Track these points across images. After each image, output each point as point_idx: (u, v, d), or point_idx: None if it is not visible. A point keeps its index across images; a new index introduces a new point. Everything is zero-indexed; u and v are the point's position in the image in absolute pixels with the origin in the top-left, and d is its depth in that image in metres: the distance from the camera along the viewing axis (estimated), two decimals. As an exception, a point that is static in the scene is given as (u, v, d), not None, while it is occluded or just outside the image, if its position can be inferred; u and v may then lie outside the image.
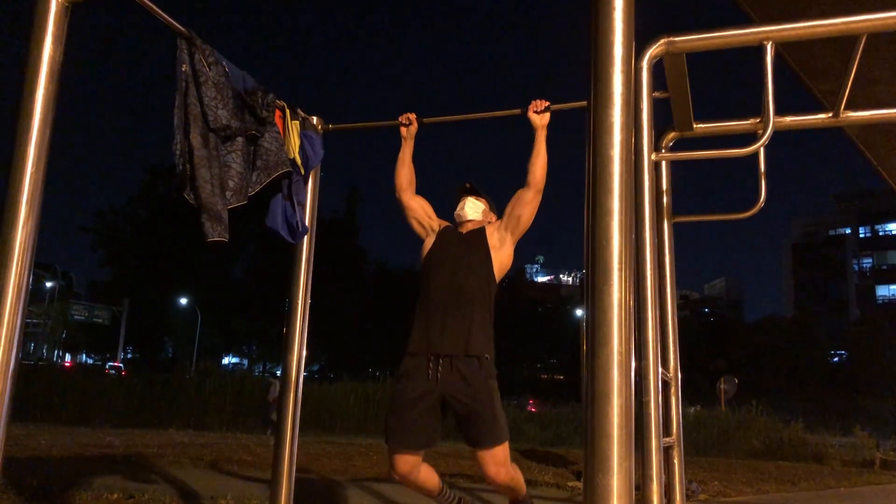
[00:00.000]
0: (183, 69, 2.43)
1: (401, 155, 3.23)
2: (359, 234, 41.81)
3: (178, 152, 2.41)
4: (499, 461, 2.79)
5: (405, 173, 3.19)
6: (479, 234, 3.05)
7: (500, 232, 3.05)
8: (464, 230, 3.08)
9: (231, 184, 2.56)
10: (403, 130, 3.24)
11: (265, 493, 3.60)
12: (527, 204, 3.02)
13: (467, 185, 3.15)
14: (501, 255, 3.02)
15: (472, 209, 3.11)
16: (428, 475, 2.92)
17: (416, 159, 3.27)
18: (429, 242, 3.11)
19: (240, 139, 2.63)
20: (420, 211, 3.16)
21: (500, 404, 2.83)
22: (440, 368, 2.80)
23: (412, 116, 3.25)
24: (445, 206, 3.19)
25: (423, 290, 2.99)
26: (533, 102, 3.07)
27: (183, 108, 2.42)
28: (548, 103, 3.05)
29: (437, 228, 3.13)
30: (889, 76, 2.74)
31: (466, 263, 2.96)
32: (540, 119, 3.05)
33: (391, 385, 3.03)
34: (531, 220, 3.07)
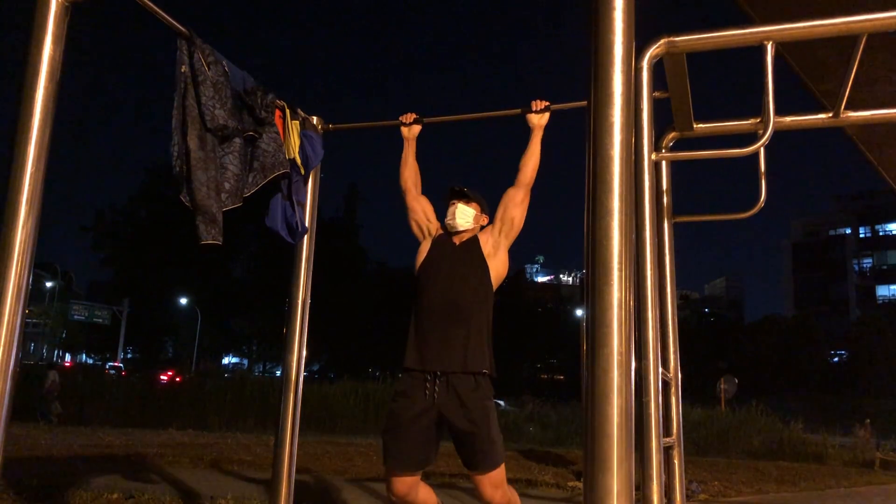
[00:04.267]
0: (182, 70, 2.43)
1: (403, 156, 3.21)
2: (359, 234, 41.84)
3: (175, 153, 2.40)
4: (495, 483, 2.75)
5: (409, 174, 3.15)
6: (473, 243, 2.96)
7: (494, 238, 2.97)
8: (457, 240, 2.99)
9: (227, 185, 2.55)
10: (405, 131, 3.23)
11: (265, 493, 3.60)
12: (518, 205, 2.96)
13: (455, 188, 3.02)
14: (497, 263, 2.94)
15: (463, 217, 2.98)
16: (427, 496, 2.87)
17: (418, 159, 3.26)
18: (423, 250, 3.03)
19: (237, 140, 2.62)
20: (420, 213, 3.10)
21: (496, 426, 2.77)
22: (437, 388, 2.73)
23: (413, 117, 3.24)
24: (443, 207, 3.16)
25: (417, 304, 2.91)
26: (532, 103, 3.07)
27: (181, 109, 2.41)
28: (547, 103, 3.05)
29: (433, 234, 3.05)
30: (889, 76, 2.74)
31: (461, 276, 2.88)
32: (538, 119, 3.04)
33: (389, 402, 2.99)
34: (523, 221, 3.00)
